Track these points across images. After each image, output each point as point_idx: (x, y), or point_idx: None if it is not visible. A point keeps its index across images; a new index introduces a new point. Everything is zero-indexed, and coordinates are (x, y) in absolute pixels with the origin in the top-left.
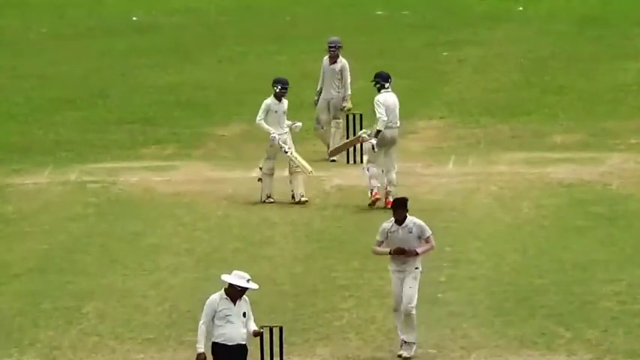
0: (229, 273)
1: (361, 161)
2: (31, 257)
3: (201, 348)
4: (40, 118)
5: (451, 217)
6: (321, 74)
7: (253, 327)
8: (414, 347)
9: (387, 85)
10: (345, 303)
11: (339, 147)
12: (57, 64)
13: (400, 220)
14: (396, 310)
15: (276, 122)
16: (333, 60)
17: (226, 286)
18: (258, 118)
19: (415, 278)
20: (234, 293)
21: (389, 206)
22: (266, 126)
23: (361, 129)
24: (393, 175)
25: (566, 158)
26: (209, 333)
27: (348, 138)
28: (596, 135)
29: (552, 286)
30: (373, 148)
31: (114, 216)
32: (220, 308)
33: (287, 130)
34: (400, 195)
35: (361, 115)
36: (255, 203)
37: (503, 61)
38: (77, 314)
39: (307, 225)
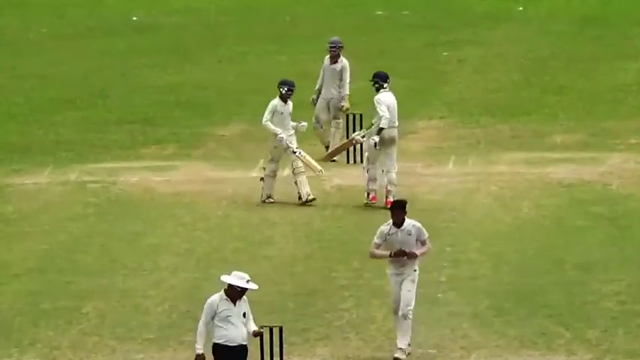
0: (229, 273)
1: (361, 161)
2: (31, 257)
3: (200, 349)
4: (40, 118)
5: (451, 217)
6: (321, 73)
7: (253, 327)
8: (408, 349)
9: (385, 85)
10: (345, 303)
11: (332, 152)
12: (57, 64)
13: (399, 223)
14: (396, 312)
15: (281, 124)
16: (334, 60)
17: (226, 287)
18: (264, 119)
19: (413, 281)
20: (234, 294)
21: (388, 206)
22: (273, 127)
23: (361, 129)
24: (393, 175)
25: (566, 158)
26: (209, 334)
27: (348, 138)
28: (596, 135)
29: (552, 286)
30: (375, 146)
31: (114, 216)
32: (221, 309)
33: (292, 131)
34: (400, 195)
35: (361, 115)
36: (255, 203)
37: (503, 61)
38: (77, 314)
39: (307, 225)
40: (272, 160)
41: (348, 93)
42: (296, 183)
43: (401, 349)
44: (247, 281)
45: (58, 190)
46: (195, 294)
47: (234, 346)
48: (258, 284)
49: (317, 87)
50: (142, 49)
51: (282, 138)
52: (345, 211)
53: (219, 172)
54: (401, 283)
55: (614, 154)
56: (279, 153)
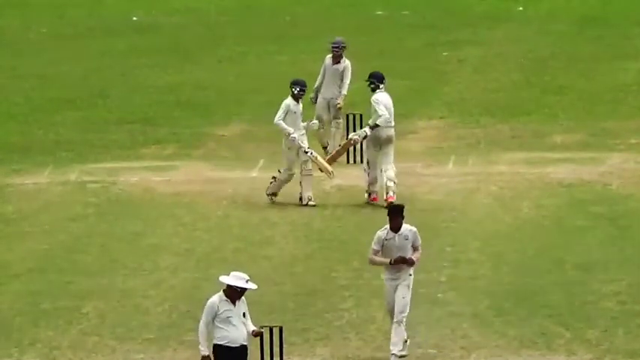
0: (229, 274)
1: (361, 161)
2: (31, 257)
3: (204, 350)
4: (40, 118)
5: (451, 217)
6: (322, 72)
7: (251, 327)
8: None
9: (381, 85)
10: (345, 303)
11: (333, 155)
12: (57, 64)
13: (396, 228)
14: (391, 316)
15: (294, 123)
16: (337, 60)
17: (225, 288)
18: (277, 118)
19: (408, 286)
20: (234, 294)
21: (388, 201)
22: (286, 126)
23: (361, 129)
24: (391, 173)
25: (566, 158)
26: (209, 334)
27: (347, 138)
28: (596, 135)
29: (552, 286)
30: (365, 137)
31: (114, 216)
32: (221, 310)
33: (304, 131)
34: (400, 195)
35: (361, 115)
36: (255, 203)
37: (503, 61)
38: (77, 314)
39: (307, 225)
40: (288, 169)
41: (345, 93)
42: (301, 184)
43: (394, 354)
44: (247, 281)
45: (58, 190)
46: (195, 294)
47: (236, 347)
48: (258, 284)
49: (316, 85)
50: (142, 49)
51: (295, 137)
52: (345, 211)
53: (219, 172)
54: (396, 288)
55: (614, 154)
56: (293, 159)
